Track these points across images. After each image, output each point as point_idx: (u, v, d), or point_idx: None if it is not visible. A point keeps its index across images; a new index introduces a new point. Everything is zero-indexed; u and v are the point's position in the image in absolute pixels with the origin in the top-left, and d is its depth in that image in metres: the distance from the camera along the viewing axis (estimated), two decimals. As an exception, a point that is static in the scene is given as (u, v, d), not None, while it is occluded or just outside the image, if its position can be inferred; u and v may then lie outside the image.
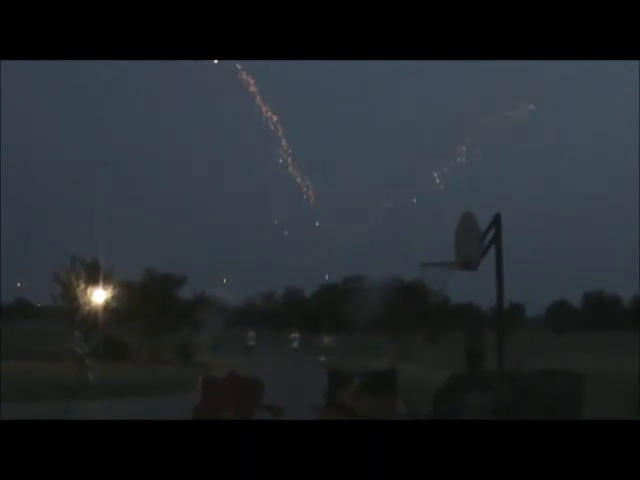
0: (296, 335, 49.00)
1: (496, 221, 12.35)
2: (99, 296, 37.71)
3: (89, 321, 35.50)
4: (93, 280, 38.00)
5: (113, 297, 38.38)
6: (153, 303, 40.67)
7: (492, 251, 12.39)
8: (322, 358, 40.27)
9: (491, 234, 12.37)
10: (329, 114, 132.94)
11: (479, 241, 12.43)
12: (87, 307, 37.41)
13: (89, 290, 37.87)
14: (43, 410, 16.01)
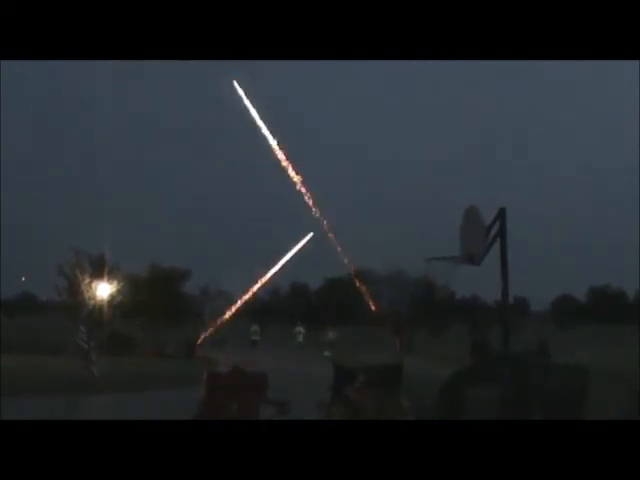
0: (301, 329, 49.00)
1: (501, 215, 12.32)
2: (104, 290, 37.70)
3: (94, 315, 35.50)
4: (98, 274, 38.00)
5: (118, 291, 38.37)
6: (158, 297, 40.68)
7: (497, 245, 12.38)
8: (327, 353, 40.21)
9: (496, 228, 12.35)
10: (332, 111, 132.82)
11: (484, 236, 12.39)
12: (92, 301, 37.42)
13: (94, 284, 37.85)
14: (48, 404, 16.02)
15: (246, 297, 42.56)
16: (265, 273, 43.04)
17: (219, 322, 41.85)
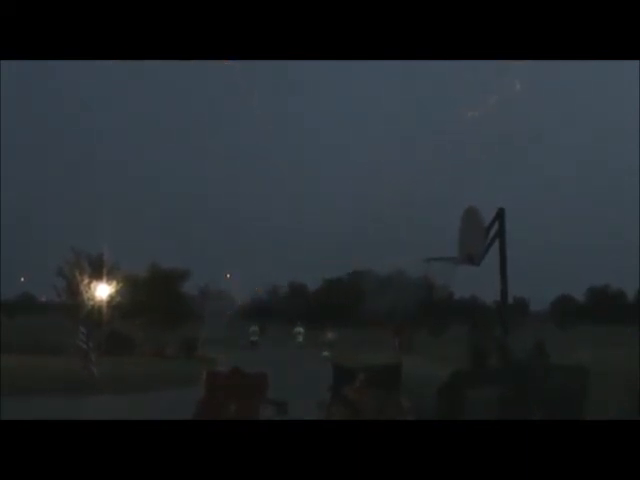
0: (300, 330, 48.98)
1: (500, 215, 12.35)
2: (104, 290, 37.62)
3: (94, 315, 35.46)
4: (98, 274, 37.94)
5: (118, 291, 38.30)
6: (158, 297, 40.64)
7: (496, 245, 12.40)
8: (326, 353, 40.19)
9: (495, 229, 12.38)
10: (332, 111, 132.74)
11: (483, 236, 12.42)
12: (92, 301, 37.35)
13: (94, 284, 37.78)
14: (48, 404, 16.02)
15: (246, 298, 42.60)
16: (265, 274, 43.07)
17: (219, 322, 41.80)
